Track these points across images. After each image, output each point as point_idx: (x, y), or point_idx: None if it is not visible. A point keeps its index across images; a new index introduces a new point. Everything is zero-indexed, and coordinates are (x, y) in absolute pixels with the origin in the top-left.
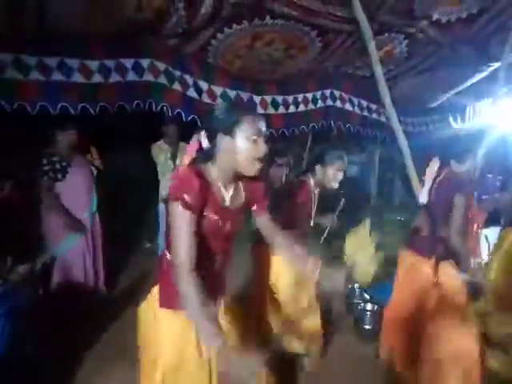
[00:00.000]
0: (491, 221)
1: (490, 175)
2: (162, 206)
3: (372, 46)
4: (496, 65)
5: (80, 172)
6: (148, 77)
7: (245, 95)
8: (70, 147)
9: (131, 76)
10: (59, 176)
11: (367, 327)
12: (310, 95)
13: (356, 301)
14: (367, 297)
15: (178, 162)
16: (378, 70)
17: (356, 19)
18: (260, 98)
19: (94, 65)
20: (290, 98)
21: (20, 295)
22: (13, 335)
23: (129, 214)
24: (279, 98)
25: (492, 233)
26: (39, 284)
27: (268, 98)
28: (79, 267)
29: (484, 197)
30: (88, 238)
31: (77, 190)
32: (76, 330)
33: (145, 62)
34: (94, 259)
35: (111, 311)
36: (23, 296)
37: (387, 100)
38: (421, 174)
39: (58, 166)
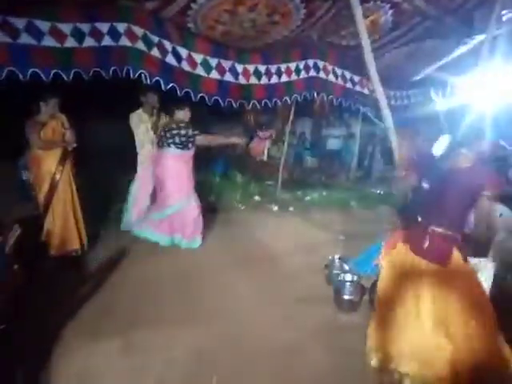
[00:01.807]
0: None
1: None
2: None
3: (359, 11)
4: (480, 37)
5: None
6: (125, 42)
7: (226, 64)
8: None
9: (107, 41)
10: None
11: (346, 297)
12: (293, 65)
13: (335, 271)
14: (346, 268)
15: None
16: (364, 37)
17: None
18: (242, 66)
19: (66, 28)
20: (274, 68)
21: None
22: None
23: (108, 186)
24: (262, 68)
25: None
26: (14, 258)
27: (250, 68)
28: (184, 223)
29: None
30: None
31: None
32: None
33: (121, 27)
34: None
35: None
36: None
37: (372, 69)
38: None
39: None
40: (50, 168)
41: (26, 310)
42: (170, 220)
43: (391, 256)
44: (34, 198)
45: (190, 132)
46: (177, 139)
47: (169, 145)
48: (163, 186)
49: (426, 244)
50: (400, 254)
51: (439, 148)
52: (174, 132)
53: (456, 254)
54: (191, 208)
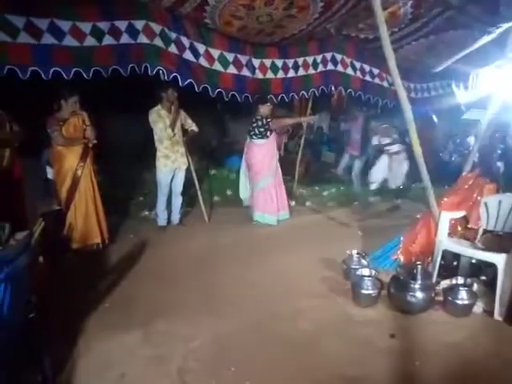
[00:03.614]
0: None
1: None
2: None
3: (377, 3)
4: (506, 26)
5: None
6: (142, 39)
7: (243, 58)
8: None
9: (125, 39)
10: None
11: (364, 292)
12: (310, 59)
13: (353, 266)
14: (365, 262)
15: (176, 129)
16: (383, 30)
17: None
18: (259, 61)
19: (86, 27)
20: (291, 62)
21: (19, 261)
22: (14, 299)
23: (127, 181)
24: (279, 62)
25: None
26: (39, 251)
27: (267, 62)
28: (273, 198)
29: None
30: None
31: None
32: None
33: (139, 24)
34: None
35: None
36: (23, 262)
37: (392, 62)
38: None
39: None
40: (71, 164)
41: (50, 302)
42: (262, 199)
43: None
44: (57, 194)
45: (265, 122)
46: (256, 131)
47: (251, 137)
48: (252, 168)
49: None
50: None
51: None
52: (254, 125)
53: None
54: (275, 185)
